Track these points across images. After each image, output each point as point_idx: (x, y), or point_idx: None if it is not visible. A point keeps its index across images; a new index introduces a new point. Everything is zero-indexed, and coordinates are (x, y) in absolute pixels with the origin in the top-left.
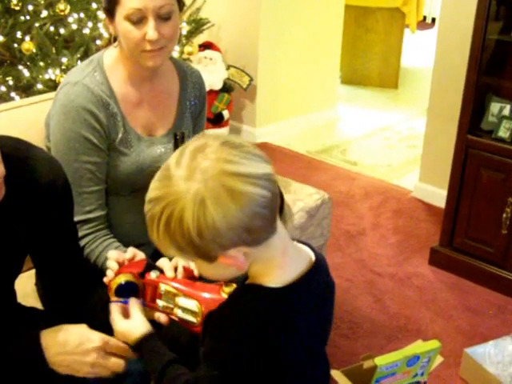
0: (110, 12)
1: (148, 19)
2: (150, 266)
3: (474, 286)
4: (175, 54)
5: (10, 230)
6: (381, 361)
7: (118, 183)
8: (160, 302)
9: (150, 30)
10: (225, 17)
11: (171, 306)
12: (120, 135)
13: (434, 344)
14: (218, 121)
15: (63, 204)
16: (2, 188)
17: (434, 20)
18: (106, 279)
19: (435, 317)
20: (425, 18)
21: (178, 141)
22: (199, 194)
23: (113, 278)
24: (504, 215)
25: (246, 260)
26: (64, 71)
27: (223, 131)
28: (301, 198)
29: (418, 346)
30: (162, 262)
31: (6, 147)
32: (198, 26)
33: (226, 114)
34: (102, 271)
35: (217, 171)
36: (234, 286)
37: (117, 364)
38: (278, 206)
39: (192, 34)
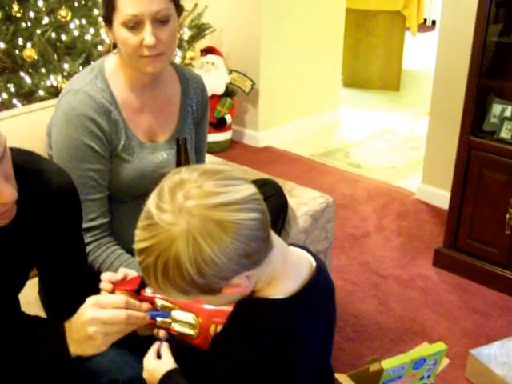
0: (108, 19)
1: (145, 25)
2: (145, 282)
3: (479, 286)
4: (177, 60)
5: (19, 243)
6: (387, 364)
7: (120, 190)
8: (158, 318)
9: (147, 35)
10: (226, 21)
11: (169, 320)
12: (122, 142)
13: (440, 346)
14: (220, 125)
15: (72, 216)
16: (14, 210)
17: (434, 23)
18: None
19: (440, 318)
20: (425, 20)
21: (180, 146)
22: (190, 234)
23: None
24: (507, 216)
25: (250, 282)
26: (66, 78)
27: (226, 136)
28: (305, 201)
29: (424, 349)
30: None
31: (16, 159)
32: (199, 31)
33: (228, 118)
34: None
35: (203, 207)
36: None
37: (116, 317)
38: (269, 222)
39: (194, 39)
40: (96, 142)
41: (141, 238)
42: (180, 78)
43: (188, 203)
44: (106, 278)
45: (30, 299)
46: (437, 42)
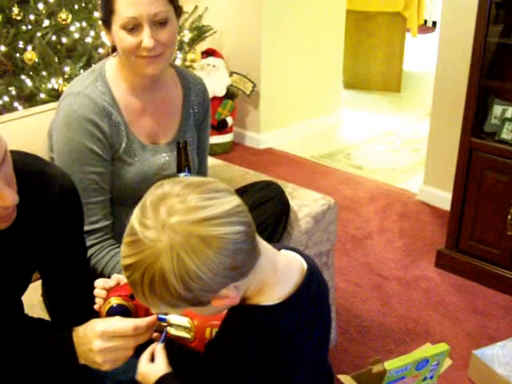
0: (107, 22)
1: (143, 27)
2: None
3: (481, 287)
4: (178, 62)
5: (21, 246)
6: (390, 365)
7: (122, 193)
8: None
9: (146, 37)
10: (227, 23)
11: (164, 324)
12: (123, 144)
13: (442, 347)
14: (222, 127)
15: (74, 219)
16: (14, 213)
17: (434, 24)
18: (96, 306)
19: (443, 319)
20: (426, 21)
21: (181, 149)
22: (174, 250)
23: (103, 304)
24: (509, 216)
25: (238, 293)
26: (67, 80)
27: (227, 138)
28: (306, 203)
29: (426, 350)
30: None
31: (19, 163)
32: (200, 33)
33: (229, 120)
34: None
35: (186, 224)
36: None
37: (124, 345)
38: (254, 233)
39: (194, 41)
40: (97, 144)
41: (126, 254)
42: (181, 81)
43: (171, 220)
44: (100, 284)
45: (33, 302)
46: (437, 43)
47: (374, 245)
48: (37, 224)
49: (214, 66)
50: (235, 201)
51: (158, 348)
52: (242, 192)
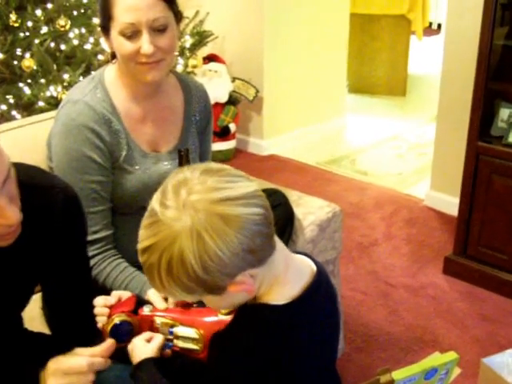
0: (105, 28)
1: (142, 33)
2: (141, 301)
3: (490, 294)
4: (179, 68)
5: (24, 260)
6: (398, 375)
7: (123, 202)
8: (160, 340)
9: (145, 43)
10: (229, 28)
11: (171, 337)
12: (124, 152)
13: (451, 356)
14: (224, 134)
15: (77, 231)
16: (18, 230)
17: (439, 26)
18: (99, 325)
19: (451, 327)
20: (431, 24)
21: (182, 157)
22: (194, 229)
23: (106, 321)
24: None
25: (254, 282)
26: (66, 88)
27: (230, 144)
28: (311, 211)
29: (435, 359)
30: (151, 295)
31: (21, 175)
32: (201, 38)
33: (232, 126)
34: (110, 293)
35: (207, 202)
36: (225, 310)
37: (80, 381)
38: (272, 220)
39: (196, 46)
40: (97, 152)
41: (144, 237)
42: (182, 87)
43: (192, 198)
44: (100, 302)
45: (33, 315)
46: (443, 45)
47: (381, 252)
48: (40, 237)
49: (215, 72)
50: (254, 186)
51: (158, 337)
52: None
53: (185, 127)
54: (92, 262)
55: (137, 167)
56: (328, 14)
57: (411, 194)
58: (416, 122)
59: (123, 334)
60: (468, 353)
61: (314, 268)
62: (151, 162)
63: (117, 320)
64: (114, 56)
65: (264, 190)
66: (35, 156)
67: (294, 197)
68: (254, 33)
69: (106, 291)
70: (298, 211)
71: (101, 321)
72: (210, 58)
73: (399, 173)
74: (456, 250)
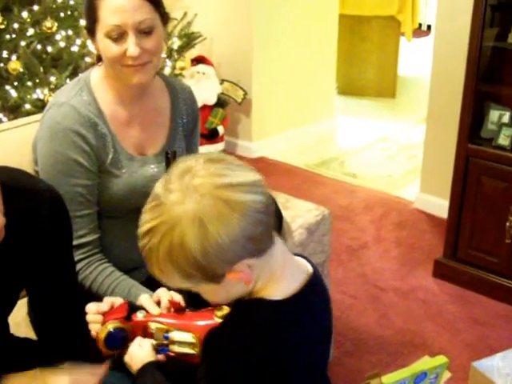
0: (91, 31)
1: (128, 35)
2: (133, 307)
3: (480, 297)
4: (167, 70)
5: (9, 265)
6: (388, 379)
7: (110, 206)
8: (153, 342)
9: (131, 45)
10: (217, 30)
11: (166, 342)
12: (110, 156)
13: (441, 360)
14: (212, 136)
15: (63, 235)
16: (2, 233)
17: (429, 27)
18: (93, 333)
19: (441, 330)
20: (420, 25)
21: (169, 160)
22: (197, 213)
23: (100, 328)
24: (507, 224)
25: (252, 273)
26: (52, 90)
27: (218, 147)
28: (300, 214)
29: (425, 363)
30: (143, 301)
31: (5, 178)
32: (189, 40)
33: (220, 129)
34: (97, 297)
35: (211, 187)
36: (226, 308)
37: None
38: (273, 211)
39: (184, 48)
40: (83, 156)
41: (146, 220)
42: (169, 90)
43: (196, 182)
44: (93, 309)
45: (18, 320)
46: (432, 47)
47: (370, 255)
48: (26, 241)
49: (204, 74)
50: (257, 176)
51: (147, 340)
52: None
53: (171, 130)
54: (78, 266)
55: (123, 171)
56: (317, 16)
57: (401, 196)
58: (406, 124)
59: (118, 340)
60: (458, 356)
61: (310, 269)
62: (138, 166)
63: (111, 327)
64: (99, 58)
65: None
66: (21, 159)
67: (282, 199)
68: (242, 34)
69: (93, 296)
70: (287, 214)
71: (94, 328)
72: (198, 60)
73: (389, 175)
74: (446, 253)
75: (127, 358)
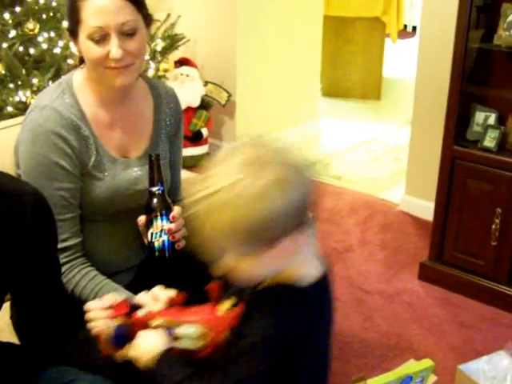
0: (73, 32)
1: (111, 37)
2: (133, 306)
3: (466, 300)
4: (150, 72)
5: None
6: (373, 383)
7: (93, 209)
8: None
9: (114, 47)
10: (201, 32)
11: (170, 337)
12: (93, 158)
13: (426, 363)
14: (196, 139)
15: (48, 237)
16: None
17: (414, 28)
18: (95, 331)
19: (427, 333)
20: (405, 26)
21: (153, 162)
22: (266, 178)
23: (104, 326)
24: (493, 226)
25: (296, 247)
26: (35, 93)
27: (202, 149)
28: None
29: (410, 366)
30: (142, 298)
31: None
32: (173, 42)
33: (204, 131)
34: (79, 302)
35: (278, 156)
36: (228, 302)
37: None
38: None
39: (167, 50)
40: (65, 159)
41: (209, 184)
42: (152, 92)
43: (267, 156)
44: (97, 306)
45: (2, 325)
46: (417, 48)
47: (355, 258)
48: (10, 244)
49: (187, 76)
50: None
51: (152, 331)
52: None
53: (155, 132)
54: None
55: (106, 173)
56: (301, 17)
57: (386, 198)
58: (391, 126)
59: (122, 338)
60: (444, 359)
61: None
62: (121, 168)
63: (116, 323)
64: (82, 60)
65: None
66: (3, 162)
67: None
68: (226, 36)
69: (76, 301)
70: None
71: (98, 325)
72: (182, 62)
73: (374, 177)
74: (431, 256)
75: (133, 352)
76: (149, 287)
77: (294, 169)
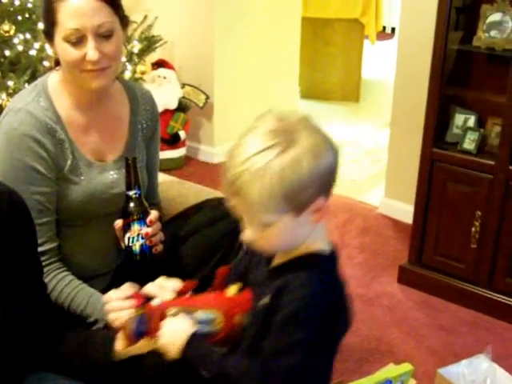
0: (49, 34)
1: (87, 39)
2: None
3: (445, 303)
4: (127, 74)
5: None
6: None
7: (69, 213)
8: None
9: (90, 50)
10: (178, 33)
11: None
12: (69, 162)
13: (406, 367)
14: (174, 141)
15: (27, 238)
16: None
17: (393, 30)
18: (117, 322)
19: (407, 337)
20: (384, 28)
21: (129, 166)
22: (298, 145)
23: (127, 316)
24: (473, 229)
25: (316, 217)
26: (10, 95)
27: (180, 152)
28: None
29: (389, 370)
30: (151, 288)
31: None
32: (150, 43)
33: (182, 134)
34: (55, 307)
35: (305, 124)
36: (234, 287)
37: None
38: None
39: (144, 52)
40: (40, 163)
41: (259, 142)
42: (128, 94)
43: (291, 118)
44: (119, 295)
45: None
46: (396, 50)
47: None
48: None
49: (165, 78)
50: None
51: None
52: (195, 210)
53: (131, 135)
54: None
55: (82, 177)
56: (279, 19)
57: (365, 201)
58: (370, 128)
59: (143, 328)
60: (424, 363)
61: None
62: (97, 172)
63: (138, 313)
64: (57, 62)
65: (212, 200)
66: None
67: None
68: (203, 38)
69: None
70: None
71: (119, 316)
72: (159, 64)
73: (353, 179)
74: (411, 259)
75: (161, 341)
76: None
77: (322, 136)
